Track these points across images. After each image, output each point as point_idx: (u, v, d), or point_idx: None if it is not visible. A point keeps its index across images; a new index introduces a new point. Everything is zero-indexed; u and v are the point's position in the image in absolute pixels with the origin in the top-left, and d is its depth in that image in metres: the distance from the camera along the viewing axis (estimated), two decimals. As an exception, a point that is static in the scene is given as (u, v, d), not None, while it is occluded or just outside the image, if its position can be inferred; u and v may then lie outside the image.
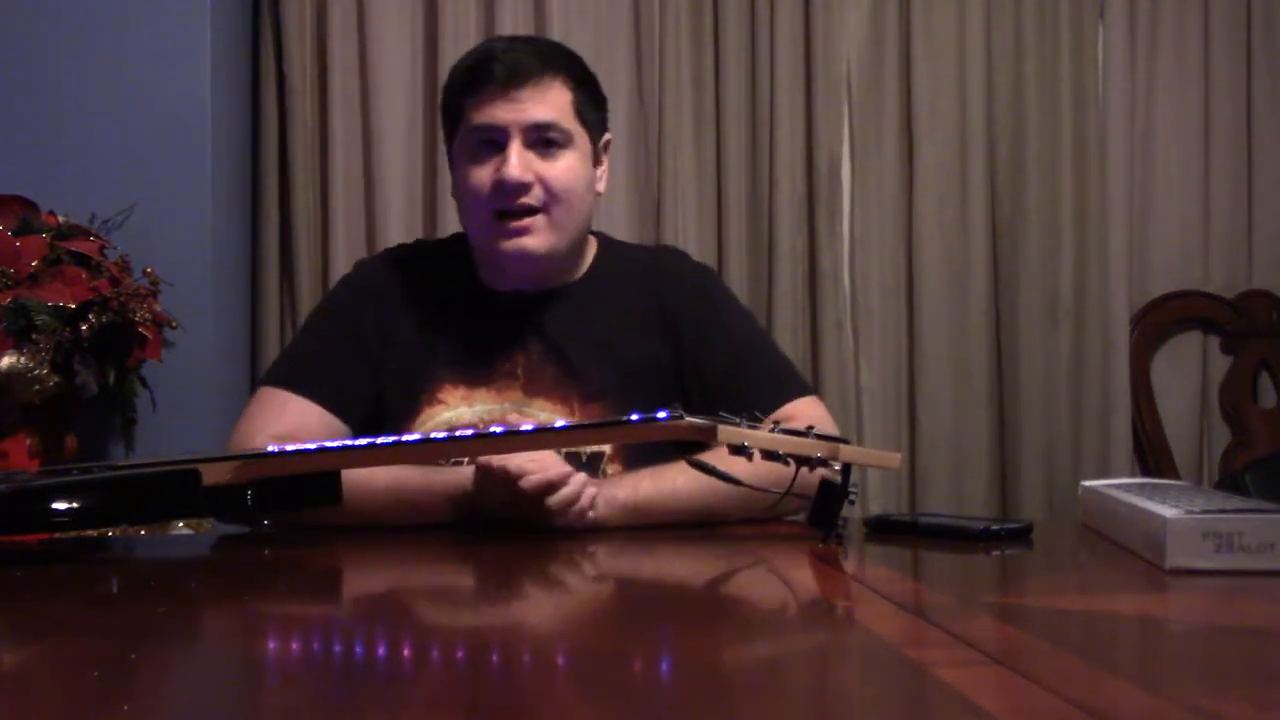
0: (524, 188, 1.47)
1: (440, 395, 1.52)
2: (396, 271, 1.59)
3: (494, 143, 1.48)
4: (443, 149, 1.83)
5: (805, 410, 1.49)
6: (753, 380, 1.52)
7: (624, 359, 1.54)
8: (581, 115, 1.52)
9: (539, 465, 1.28)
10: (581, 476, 1.31)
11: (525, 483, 1.27)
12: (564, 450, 1.38)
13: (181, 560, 1.39)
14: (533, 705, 0.69)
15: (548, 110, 1.48)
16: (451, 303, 1.56)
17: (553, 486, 1.28)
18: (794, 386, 1.56)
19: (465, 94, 1.50)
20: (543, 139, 1.48)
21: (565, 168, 1.49)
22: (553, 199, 1.49)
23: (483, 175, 1.48)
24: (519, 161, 1.46)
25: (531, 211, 1.48)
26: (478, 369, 1.51)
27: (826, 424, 1.42)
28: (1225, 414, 2.92)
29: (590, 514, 1.31)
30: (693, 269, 1.66)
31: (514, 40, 1.61)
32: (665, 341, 1.56)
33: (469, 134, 1.50)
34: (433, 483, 1.36)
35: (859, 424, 2.78)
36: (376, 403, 1.52)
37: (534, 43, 1.61)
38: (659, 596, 1.12)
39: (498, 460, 1.28)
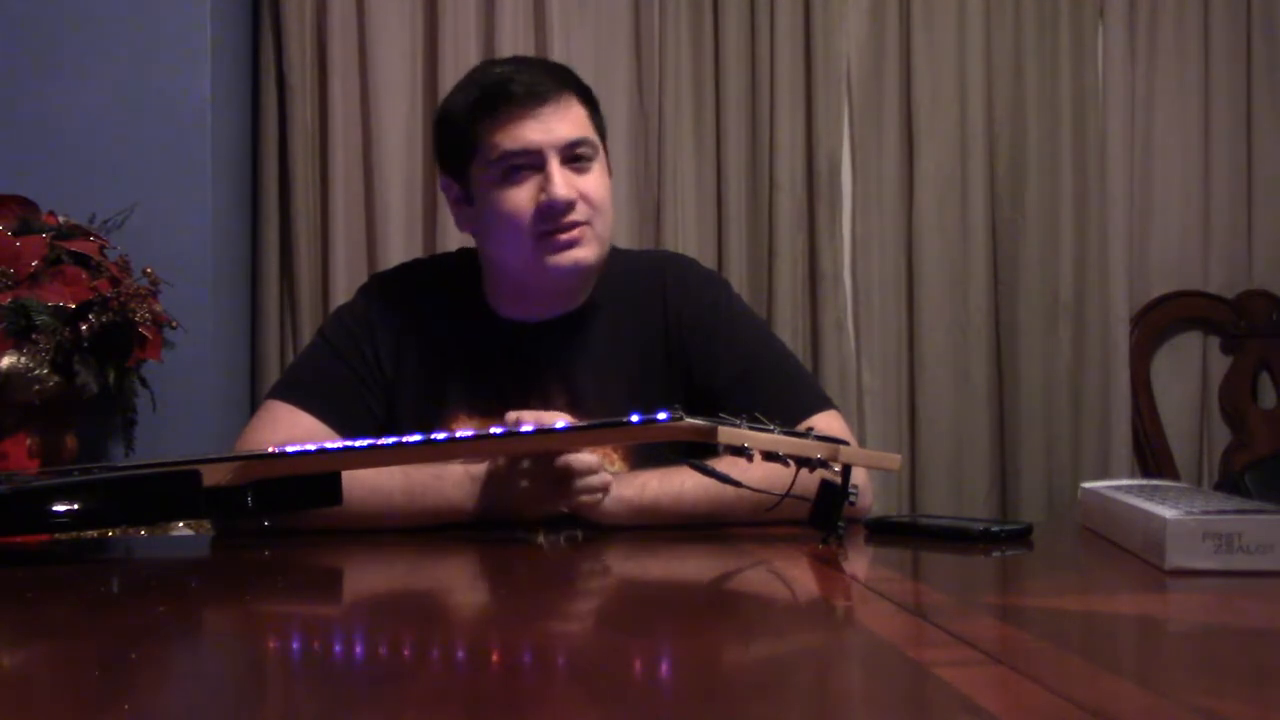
0: (571, 206, 1.46)
1: (454, 429, 1.50)
2: (410, 294, 1.58)
3: (525, 167, 1.46)
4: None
5: (822, 425, 1.41)
6: (763, 395, 1.46)
7: (635, 381, 1.53)
8: (597, 127, 1.53)
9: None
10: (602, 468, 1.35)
11: (571, 460, 1.30)
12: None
13: (181, 560, 1.39)
14: (533, 705, 0.69)
15: (575, 127, 1.47)
16: (462, 331, 1.55)
17: (591, 470, 1.32)
18: (809, 400, 1.52)
19: (483, 120, 1.47)
20: (574, 155, 1.47)
21: (598, 181, 1.49)
22: (595, 212, 1.48)
23: (521, 199, 1.46)
24: (564, 180, 1.45)
25: (576, 226, 1.48)
26: (490, 402, 1.49)
27: (843, 438, 1.32)
28: (1225, 414, 2.93)
29: (601, 502, 1.34)
30: (700, 280, 1.62)
31: (517, 62, 1.57)
32: (674, 358, 1.55)
33: (496, 161, 1.46)
34: (442, 478, 1.36)
35: (860, 425, 2.78)
36: (385, 429, 1.51)
37: (536, 63, 1.59)
38: (659, 596, 1.12)
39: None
